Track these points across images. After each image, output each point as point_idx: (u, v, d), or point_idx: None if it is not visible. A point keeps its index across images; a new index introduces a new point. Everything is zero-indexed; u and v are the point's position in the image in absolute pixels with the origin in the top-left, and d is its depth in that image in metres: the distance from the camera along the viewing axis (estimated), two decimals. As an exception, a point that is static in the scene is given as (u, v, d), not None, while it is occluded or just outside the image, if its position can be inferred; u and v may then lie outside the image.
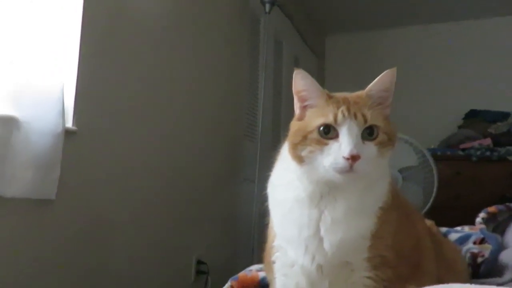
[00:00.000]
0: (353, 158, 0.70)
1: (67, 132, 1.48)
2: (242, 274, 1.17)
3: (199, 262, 2.29)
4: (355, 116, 0.74)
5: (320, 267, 0.77)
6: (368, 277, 0.77)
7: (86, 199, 1.62)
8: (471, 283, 0.71)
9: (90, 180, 1.64)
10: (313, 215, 0.76)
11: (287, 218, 0.80)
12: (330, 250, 0.75)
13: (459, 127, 3.83)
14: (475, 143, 3.47)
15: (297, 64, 3.84)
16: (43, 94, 1.40)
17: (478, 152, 3.38)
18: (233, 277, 1.16)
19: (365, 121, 0.74)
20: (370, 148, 0.74)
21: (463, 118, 3.85)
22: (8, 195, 1.29)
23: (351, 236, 0.75)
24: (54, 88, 1.42)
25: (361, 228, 0.76)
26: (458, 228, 1.48)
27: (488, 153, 3.36)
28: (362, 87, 0.81)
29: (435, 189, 2.59)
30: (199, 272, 2.29)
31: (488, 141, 3.47)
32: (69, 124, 1.54)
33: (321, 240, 0.76)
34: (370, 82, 0.80)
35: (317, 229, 0.76)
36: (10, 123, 1.31)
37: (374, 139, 0.74)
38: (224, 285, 1.19)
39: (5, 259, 1.33)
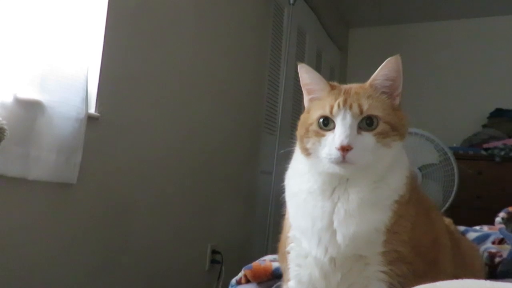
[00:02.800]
0: (343, 148, 0.71)
1: (90, 118, 1.51)
2: (255, 263, 1.18)
3: (214, 252, 2.32)
4: (350, 107, 0.74)
5: (333, 260, 0.76)
6: (383, 272, 0.76)
7: (105, 185, 1.65)
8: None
9: (110, 166, 1.67)
10: (326, 207, 0.76)
11: (301, 209, 0.80)
12: (343, 243, 0.74)
13: (484, 126, 3.74)
14: (499, 143, 3.38)
15: (319, 56, 3.80)
16: (67, 80, 1.43)
17: (502, 153, 3.30)
18: (246, 266, 1.17)
19: (361, 111, 0.74)
20: (366, 138, 0.73)
21: (488, 117, 3.75)
22: (31, 178, 1.32)
23: (364, 229, 0.74)
24: (78, 75, 1.45)
25: (375, 221, 0.75)
26: (477, 227, 1.45)
27: (512, 153, 3.28)
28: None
29: (455, 188, 2.55)
30: (213, 262, 2.31)
31: (513, 142, 3.39)
32: (92, 110, 1.57)
33: (334, 232, 0.75)
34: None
35: (330, 221, 0.76)
36: (35, 107, 1.34)
37: (374, 129, 0.74)
38: (237, 275, 1.20)
39: (26, 239, 1.37)
